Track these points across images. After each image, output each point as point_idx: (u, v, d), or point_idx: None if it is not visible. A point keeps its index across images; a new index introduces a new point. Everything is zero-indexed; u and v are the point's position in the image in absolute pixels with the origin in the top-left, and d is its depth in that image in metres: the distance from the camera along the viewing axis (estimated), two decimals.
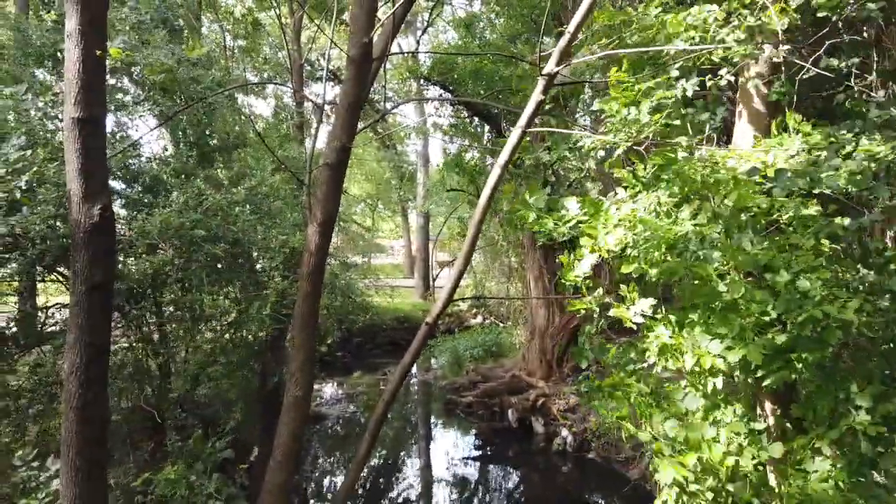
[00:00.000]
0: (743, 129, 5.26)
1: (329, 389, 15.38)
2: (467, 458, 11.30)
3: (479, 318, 21.41)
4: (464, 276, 4.99)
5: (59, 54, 7.13)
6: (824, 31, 4.80)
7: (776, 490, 3.88)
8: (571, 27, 4.70)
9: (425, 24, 21.60)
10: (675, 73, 5.29)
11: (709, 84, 5.11)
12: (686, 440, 3.93)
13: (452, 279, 4.93)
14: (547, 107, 11.61)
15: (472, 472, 10.77)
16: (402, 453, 12.03)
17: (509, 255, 16.21)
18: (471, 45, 14.39)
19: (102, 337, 4.11)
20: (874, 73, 4.78)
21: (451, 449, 11.89)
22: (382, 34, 6.23)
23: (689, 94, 5.13)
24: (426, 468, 11.16)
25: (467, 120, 15.99)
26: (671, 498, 4.02)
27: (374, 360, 18.04)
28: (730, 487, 3.80)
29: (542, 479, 10.33)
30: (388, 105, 19.13)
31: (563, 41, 4.73)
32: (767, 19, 4.75)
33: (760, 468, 3.90)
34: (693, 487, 3.83)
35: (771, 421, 4.68)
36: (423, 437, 13.16)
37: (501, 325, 18.29)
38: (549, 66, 4.77)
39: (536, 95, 4.85)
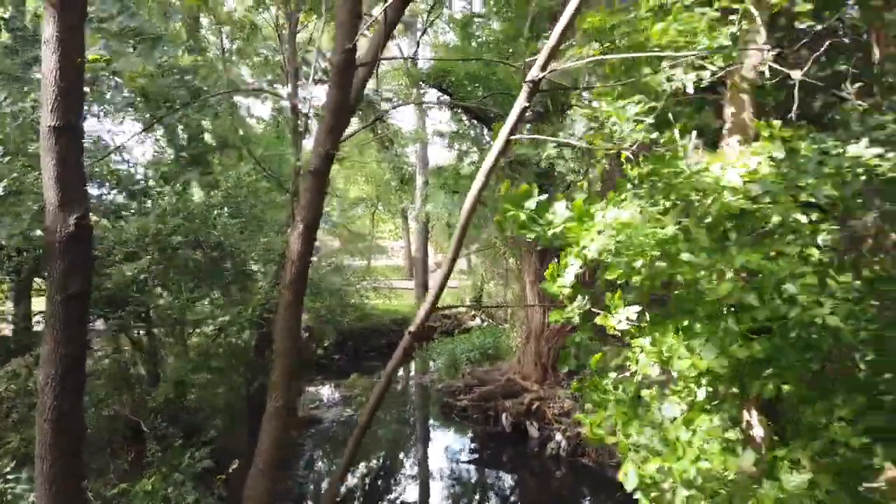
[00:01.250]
0: (730, 134, 5.20)
1: (325, 392, 15.33)
2: (462, 462, 11.27)
3: (478, 321, 21.38)
4: (447, 283, 4.93)
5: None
6: (805, 39, 4.75)
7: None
8: (554, 34, 4.66)
9: (424, 25, 21.60)
10: (663, 77, 5.24)
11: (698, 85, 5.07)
12: (662, 441, 3.90)
13: (436, 287, 4.89)
14: (539, 111, 11.60)
15: (466, 476, 10.73)
16: (398, 456, 12.03)
17: (507, 257, 16.14)
18: (468, 46, 14.35)
19: (79, 347, 4.07)
20: (853, 81, 4.73)
21: (447, 452, 11.85)
22: (374, 39, 6.22)
23: (690, 90, 5.07)
24: (421, 471, 11.15)
25: (466, 123, 15.94)
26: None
27: (370, 363, 17.99)
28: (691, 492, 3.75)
29: (537, 484, 10.28)
30: (386, 106, 19.11)
31: (546, 48, 4.69)
32: (750, 25, 4.73)
33: (734, 478, 3.85)
34: (654, 494, 3.80)
35: (760, 432, 4.63)
36: (420, 440, 13.14)
37: (500, 327, 18.23)
38: (533, 73, 4.73)
39: (520, 102, 4.80)
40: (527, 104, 4.80)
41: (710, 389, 4.27)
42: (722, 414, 4.30)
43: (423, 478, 10.85)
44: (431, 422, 14.19)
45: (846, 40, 5.70)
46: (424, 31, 22.03)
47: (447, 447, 12.23)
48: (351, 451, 4.99)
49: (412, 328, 4.84)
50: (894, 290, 4.08)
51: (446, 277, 4.85)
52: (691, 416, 4.18)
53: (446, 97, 14.61)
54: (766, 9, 5.09)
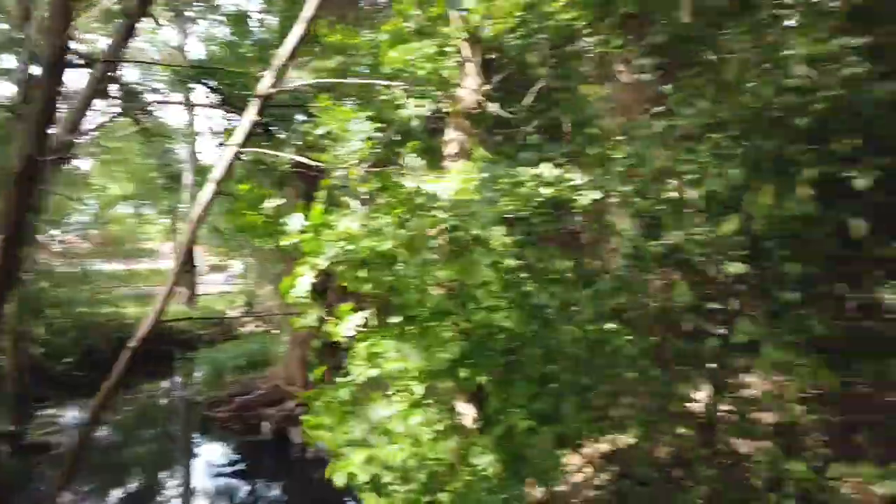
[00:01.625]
0: (450, 155, 5.81)
1: (65, 414, 13.63)
2: (223, 476, 10.87)
3: (251, 327, 20.70)
4: (172, 295, 4.83)
5: None
6: (503, 76, 5.51)
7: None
8: (284, 52, 4.81)
9: (194, 17, 20.40)
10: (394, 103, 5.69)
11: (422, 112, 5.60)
12: (379, 436, 4.25)
13: (160, 300, 4.76)
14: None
15: (226, 489, 10.39)
16: (156, 475, 11.25)
17: (274, 262, 15.93)
18: (241, 43, 13.87)
19: None
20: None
21: (207, 467, 11.35)
22: (117, 37, 5.88)
23: (415, 123, 5.55)
24: (181, 489, 10.57)
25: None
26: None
27: (125, 377, 16.44)
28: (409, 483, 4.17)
29: (300, 488, 10.33)
30: (152, 97, 17.67)
31: (275, 65, 4.81)
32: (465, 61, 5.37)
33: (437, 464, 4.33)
34: (363, 484, 4.15)
35: (470, 422, 5.25)
36: (180, 456, 12.38)
37: (272, 332, 17.82)
38: (262, 87, 4.82)
39: (250, 115, 4.85)
40: (257, 117, 4.85)
41: (427, 385, 4.74)
42: (439, 406, 4.81)
43: (183, 496, 10.30)
44: (192, 436, 13.46)
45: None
46: (193, 21, 20.85)
47: (208, 461, 11.70)
48: (63, 475, 4.67)
49: (133, 342, 4.66)
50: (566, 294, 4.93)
51: (170, 291, 4.74)
52: (407, 412, 4.60)
53: (215, 94, 14.02)
54: (479, 49, 5.81)
